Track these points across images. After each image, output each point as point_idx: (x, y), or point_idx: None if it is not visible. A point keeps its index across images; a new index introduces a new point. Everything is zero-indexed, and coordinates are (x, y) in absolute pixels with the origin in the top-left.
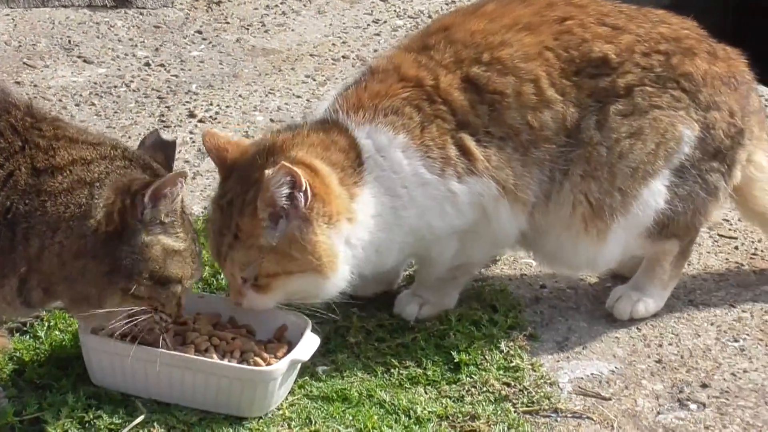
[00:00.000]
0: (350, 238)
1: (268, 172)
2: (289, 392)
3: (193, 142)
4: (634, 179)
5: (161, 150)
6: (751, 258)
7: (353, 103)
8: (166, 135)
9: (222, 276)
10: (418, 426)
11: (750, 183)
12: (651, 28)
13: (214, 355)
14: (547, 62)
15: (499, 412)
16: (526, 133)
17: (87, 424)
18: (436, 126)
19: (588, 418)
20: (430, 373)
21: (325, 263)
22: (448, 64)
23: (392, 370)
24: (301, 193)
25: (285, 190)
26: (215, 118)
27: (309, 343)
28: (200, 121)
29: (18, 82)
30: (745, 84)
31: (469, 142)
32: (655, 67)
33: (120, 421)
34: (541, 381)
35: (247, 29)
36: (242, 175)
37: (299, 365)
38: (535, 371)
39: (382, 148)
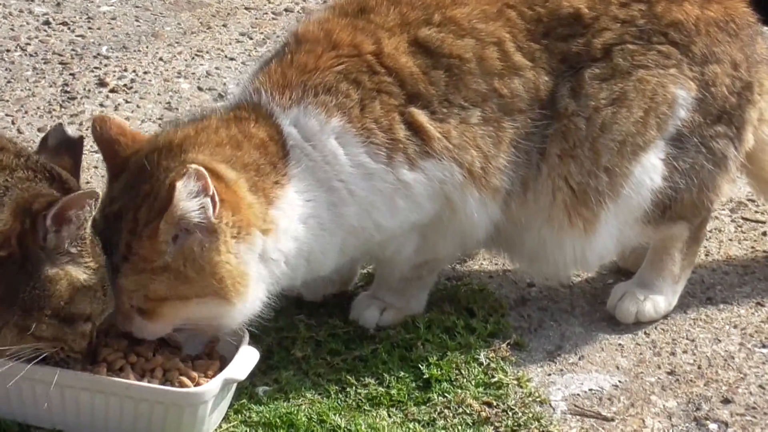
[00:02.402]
0: (268, 253)
1: (179, 183)
2: (223, 419)
3: None
4: (621, 155)
5: (67, 152)
6: None
7: (277, 82)
8: (70, 131)
9: None
10: None
11: (764, 147)
12: None
13: (131, 375)
14: (510, 23)
15: None
16: (495, 100)
17: None
18: (380, 103)
19: None
20: (394, 392)
21: (228, 287)
22: (393, 27)
23: (348, 390)
24: (208, 199)
25: (199, 201)
26: (131, 87)
27: (246, 359)
28: (112, 90)
29: None
30: (747, 28)
31: (422, 117)
32: (637, 18)
33: None
34: (529, 399)
35: None
36: (131, 182)
37: (234, 385)
38: (521, 387)
39: (311, 136)
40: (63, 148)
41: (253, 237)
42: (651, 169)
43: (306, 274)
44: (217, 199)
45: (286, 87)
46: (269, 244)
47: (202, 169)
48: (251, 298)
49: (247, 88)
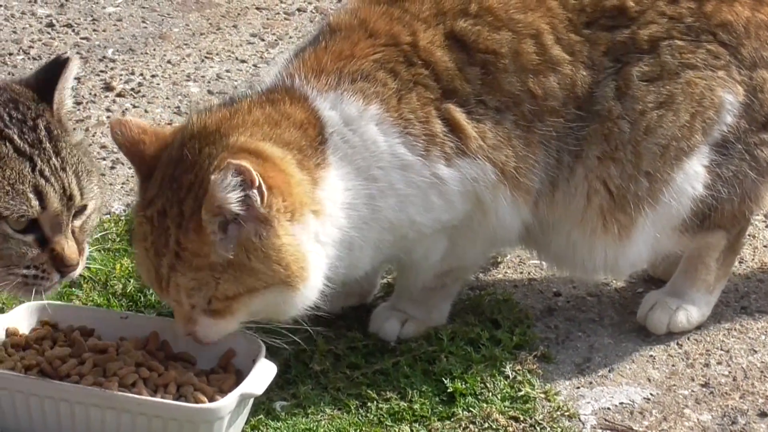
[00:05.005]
0: (319, 235)
1: (213, 177)
2: None
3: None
4: (664, 160)
5: (43, 71)
6: None
7: (312, 67)
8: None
9: (151, 291)
10: None
11: None
12: None
13: (144, 390)
14: (551, 12)
15: None
16: (528, 103)
17: None
18: (417, 95)
19: None
20: (417, 406)
21: (294, 272)
22: (428, 18)
23: (369, 404)
24: (255, 191)
25: (237, 194)
26: (138, 91)
27: (263, 373)
28: (119, 95)
29: None
30: None
31: (458, 114)
32: (685, 15)
33: None
34: (558, 413)
35: None
36: (170, 175)
37: (251, 400)
38: (549, 401)
39: (351, 121)
40: (43, 69)
41: (306, 217)
42: (693, 176)
43: (346, 269)
44: (264, 188)
45: (322, 72)
46: (320, 227)
47: (244, 163)
48: (313, 283)
49: (280, 74)
